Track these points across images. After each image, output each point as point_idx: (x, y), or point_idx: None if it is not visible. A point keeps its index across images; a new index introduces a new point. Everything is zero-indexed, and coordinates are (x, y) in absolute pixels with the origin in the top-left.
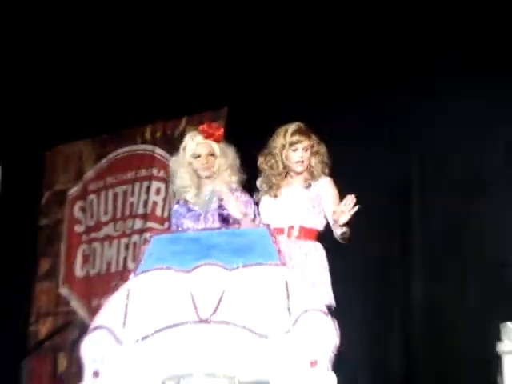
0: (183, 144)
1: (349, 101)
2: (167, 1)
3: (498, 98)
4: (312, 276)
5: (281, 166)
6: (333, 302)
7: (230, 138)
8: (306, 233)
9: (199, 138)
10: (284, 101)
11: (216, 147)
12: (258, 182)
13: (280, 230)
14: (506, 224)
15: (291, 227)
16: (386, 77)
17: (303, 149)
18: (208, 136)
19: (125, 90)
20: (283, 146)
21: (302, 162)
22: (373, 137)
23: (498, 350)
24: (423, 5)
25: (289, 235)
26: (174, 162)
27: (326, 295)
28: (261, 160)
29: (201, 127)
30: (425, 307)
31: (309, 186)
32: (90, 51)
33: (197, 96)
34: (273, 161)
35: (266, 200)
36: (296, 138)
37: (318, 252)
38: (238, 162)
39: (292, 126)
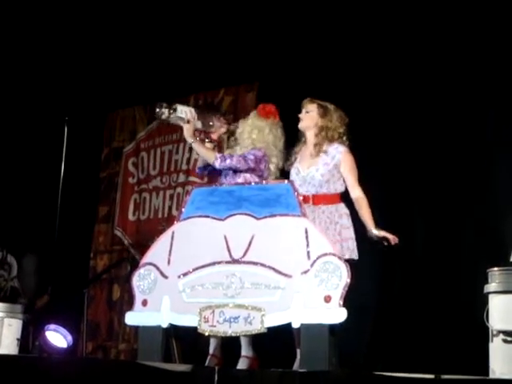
0: None
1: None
2: None
3: None
4: (335, 235)
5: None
6: (353, 256)
7: None
8: (327, 199)
9: None
10: (307, 77)
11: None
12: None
13: (306, 198)
14: None
15: (314, 195)
16: None
17: (305, 110)
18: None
19: (174, 66)
20: None
21: (302, 120)
22: None
23: (485, 291)
24: None
25: (314, 202)
26: None
27: (347, 251)
28: None
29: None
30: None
31: (325, 152)
32: (146, 35)
33: (233, 71)
34: None
35: (293, 171)
36: (303, 103)
37: (339, 213)
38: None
39: None
